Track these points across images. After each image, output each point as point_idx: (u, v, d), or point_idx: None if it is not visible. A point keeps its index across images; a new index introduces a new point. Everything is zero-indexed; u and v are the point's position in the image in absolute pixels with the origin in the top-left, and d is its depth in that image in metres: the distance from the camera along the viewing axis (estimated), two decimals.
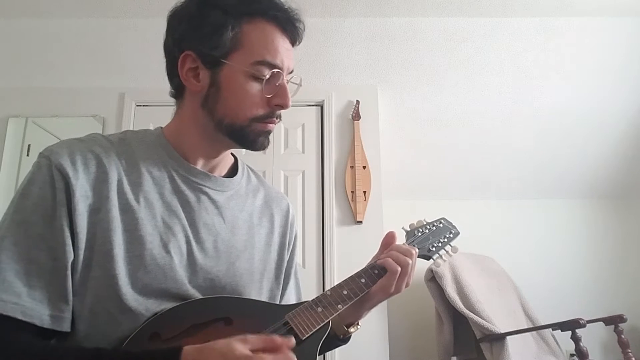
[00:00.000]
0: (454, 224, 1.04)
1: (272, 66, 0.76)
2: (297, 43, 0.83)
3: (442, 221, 1.03)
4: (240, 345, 0.60)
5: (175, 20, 0.79)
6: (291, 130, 2.82)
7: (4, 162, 2.71)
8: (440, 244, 0.97)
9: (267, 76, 0.76)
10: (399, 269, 0.82)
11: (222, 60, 0.75)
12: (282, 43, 0.78)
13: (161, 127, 0.85)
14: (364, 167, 2.73)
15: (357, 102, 2.82)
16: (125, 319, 0.68)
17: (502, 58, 2.77)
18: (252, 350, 0.60)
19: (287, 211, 0.96)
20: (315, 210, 2.69)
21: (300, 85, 0.85)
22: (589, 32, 2.70)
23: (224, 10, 0.75)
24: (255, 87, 0.76)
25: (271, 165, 2.75)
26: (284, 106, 0.78)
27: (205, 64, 0.76)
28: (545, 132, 3.07)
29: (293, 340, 0.65)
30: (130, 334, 0.67)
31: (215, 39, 0.75)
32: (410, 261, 0.83)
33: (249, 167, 0.97)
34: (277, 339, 0.63)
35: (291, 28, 0.80)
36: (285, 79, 0.79)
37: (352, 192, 2.69)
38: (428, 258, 0.95)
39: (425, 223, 1.00)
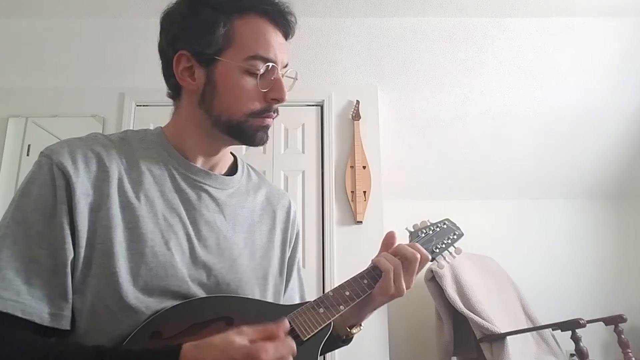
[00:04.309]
0: (458, 225, 1.03)
1: (265, 60, 0.76)
2: (290, 36, 0.82)
3: (446, 222, 1.01)
4: (238, 337, 0.59)
5: (168, 21, 0.80)
6: (291, 130, 2.82)
7: (4, 162, 2.71)
8: (443, 245, 0.96)
9: (262, 70, 0.76)
10: (391, 267, 0.81)
11: (215, 57, 0.76)
12: (275, 37, 0.78)
13: (161, 127, 0.85)
14: (364, 167, 2.73)
15: (357, 102, 2.82)
16: (125, 317, 0.68)
17: (502, 58, 2.77)
18: (251, 341, 0.59)
19: (289, 208, 0.96)
20: (315, 210, 2.69)
21: (296, 79, 0.85)
22: (589, 32, 2.70)
23: (214, 8, 0.76)
24: (250, 82, 0.76)
25: (271, 165, 2.75)
26: (280, 100, 0.78)
27: (199, 62, 0.77)
28: (545, 132, 3.07)
29: (287, 323, 0.64)
30: (130, 332, 0.67)
31: (207, 36, 0.75)
32: (408, 255, 0.82)
33: (250, 166, 0.97)
34: (272, 326, 0.62)
35: (283, 21, 0.80)
36: (280, 72, 0.79)
37: (352, 192, 2.69)
38: (431, 260, 0.94)
39: (429, 224, 0.99)
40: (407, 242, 0.94)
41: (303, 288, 0.98)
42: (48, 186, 0.69)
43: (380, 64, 2.80)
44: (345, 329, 0.87)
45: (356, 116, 2.80)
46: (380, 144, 2.82)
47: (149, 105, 2.79)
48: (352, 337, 0.89)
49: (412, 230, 0.97)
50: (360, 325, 0.89)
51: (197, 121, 0.80)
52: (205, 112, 0.78)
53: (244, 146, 0.84)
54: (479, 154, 3.14)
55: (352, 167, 2.73)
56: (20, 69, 2.77)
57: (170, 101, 0.85)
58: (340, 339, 0.88)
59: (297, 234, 0.98)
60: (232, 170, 0.90)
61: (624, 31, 2.71)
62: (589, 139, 3.09)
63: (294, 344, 0.61)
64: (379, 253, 0.90)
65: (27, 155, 2.73)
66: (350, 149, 2.77)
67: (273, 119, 0.81)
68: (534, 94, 2.91)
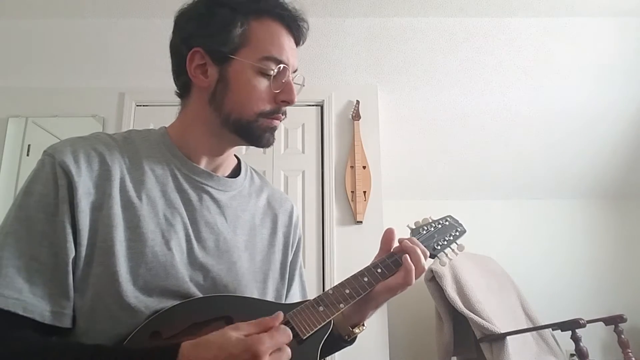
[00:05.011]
0: (460, 221, 1.02)
1: (278, 62, 0.78)
2: (301, 43, 0.85)
3: (448, 219, 1.01)
4: (234, 332, 0.61)
5: (184, 19, 0.81)
6: (291, 130, 2.82)
7: (4, 162, 2.71)
8: (445, 243, 0.95)
9: (274, 72, 0.78)
10: (414, 268, 0.82)
11: (230, 55, 0.77)
12: (288, 41, 0.81)
13: (165, 127, 0.85)
14: (364, 167, 2.73)
15: (357, 102, 2.82)
16: (124, 316, 0.68)
17: (502, 58, 2.77)
18: (246, 335, 0.61)
19: (291, 212, 0.96)
20: (315, 210, 2.69)
21: (303, 86, 0.87)
22: (589, 32, 2.70)
23: (232, 8, 0.78)
24: (262, 82, 0.78)
25: (271, 165, 2.75)
26: (289, 102, 0.80)
27: (213, 60, 0.78)
28: (545, 132, 3.07)
29: (281, 314, 0.67)
30: (129, 331, 0.67)
31: (224, 35, 0.77)
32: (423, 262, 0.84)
33: (253, 169, 0.97)
34: (267, 319, 0.64)
35: (296, 27, 0.82)
36: (290, 76, 0.80)
37: (352, 192, 2.69)
38: (433, 257, 0.93)
39: (430, 221, 0.98)
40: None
41: (305, 293, 0.97)
42: (50, 185, 0.69)
43: (380, 64, 2.80)
44: (348, 328, 0.87)
45: (356, 116, 2.80)
46: (380, 144, 2.82)
47: (149, 105, 2.79)
48: (356, 337, 0.88)
49: (414, 227, 0.96)
50: (363, 324, 0.88)
51: (205, 119, 0.81)
52: (214, 110, 0.79)
53: (244, 146, 0.84)
54: (479, 154, 3.14)
55: (352, 167, 2.73)
56: (20, 69, 2.77)
57: (170, 101, 0.86)
58: (343, 338, 0.87)
59: (299, 240, 0.97)
60: (235, 172, 0.90)
61: (624, 31, 2.71)
62: (589, 139, 3.10)
63: (289, 332, 0.63)
64: (379, 251, 0.90)
65: (27, 155, 2.74)
66: (350, 149, 2.77)
67: (281, 120, 0.82)
68: (534, 94, 2.91)
